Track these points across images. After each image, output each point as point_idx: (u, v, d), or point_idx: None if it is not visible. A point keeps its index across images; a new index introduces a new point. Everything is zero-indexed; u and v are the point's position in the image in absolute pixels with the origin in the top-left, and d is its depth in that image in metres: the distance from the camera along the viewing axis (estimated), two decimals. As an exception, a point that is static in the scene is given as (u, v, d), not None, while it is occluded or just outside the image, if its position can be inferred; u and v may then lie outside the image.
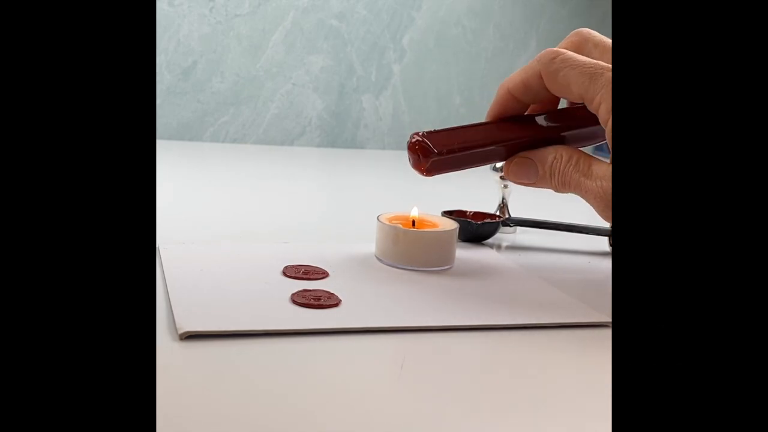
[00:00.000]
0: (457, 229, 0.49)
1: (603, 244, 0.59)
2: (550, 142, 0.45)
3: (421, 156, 0.44)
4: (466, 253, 0.52)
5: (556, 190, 0.44)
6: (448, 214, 0.56)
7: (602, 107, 0.40)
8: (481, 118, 0.48)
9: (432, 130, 0.45)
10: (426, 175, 0.45)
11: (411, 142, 0.45)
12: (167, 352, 0.32)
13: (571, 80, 0.41)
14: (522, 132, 0.46)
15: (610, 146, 0.41)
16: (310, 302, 0.38)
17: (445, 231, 0.48)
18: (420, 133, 0.45)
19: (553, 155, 0.43)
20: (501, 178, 0.59)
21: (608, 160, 0.42)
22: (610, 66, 0.41)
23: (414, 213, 0.50)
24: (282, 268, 0.44)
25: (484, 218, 0.57)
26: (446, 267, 0.48)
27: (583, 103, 0.42)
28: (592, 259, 0.54)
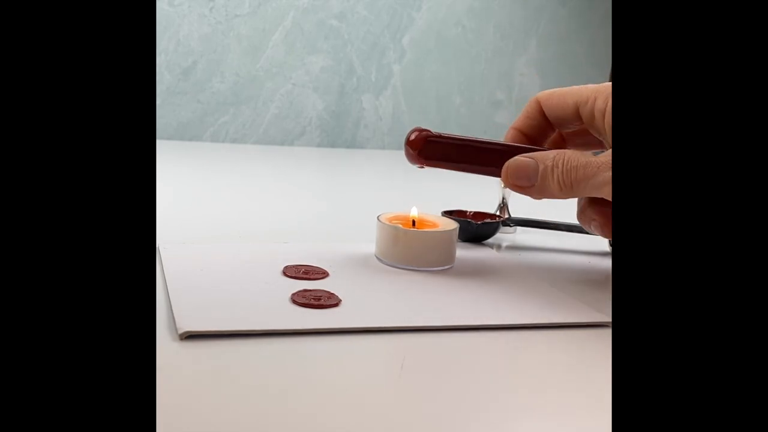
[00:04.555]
0: (457, 229, 0.49)
1: (603, 244, 0.59)
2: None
3: (412, 159, 0.47)
4: (466, 253, 0.52)
5: (558, 188, 0.42)
6: (448, 214, 0.56)
7: (598, 102, 0.43)
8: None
9: (435, 135, 0.45)
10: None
11: (408, 142, 0.46)
12: (167, 351, 0.32)
13: (566, 94, 0.45)
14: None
15: (608, 132, 0.42)
16: (310, 302, 0.38)
17: (445, 231, 0.48)
18: (419, 136, 0.45)
19: (555, 153, 0.43)
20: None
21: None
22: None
23: (414, 213, 0.50)
24: (282, 268, 0.44)
25: (484, 218, 0.57)
26: (446, 267, 0.48)
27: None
28: (592, 259, 0.54)
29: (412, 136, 0.46)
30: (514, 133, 0.49)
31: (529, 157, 0.43)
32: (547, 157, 0.43)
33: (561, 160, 0.42)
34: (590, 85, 0.45)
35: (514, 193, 0.61)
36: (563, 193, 0.42)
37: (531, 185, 0.43)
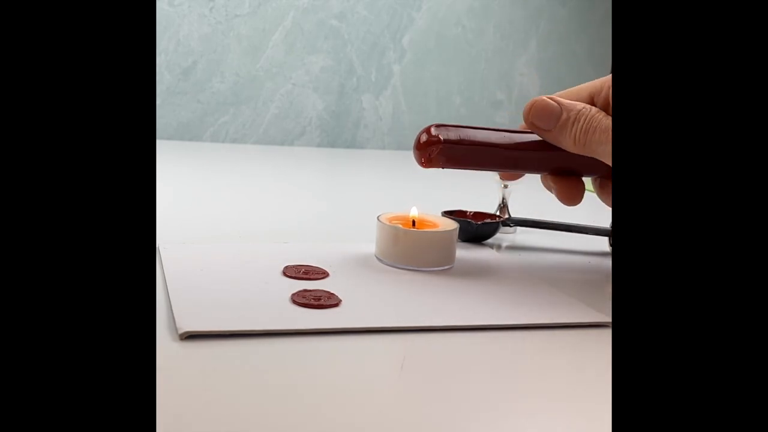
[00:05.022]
0: (457, 229, 0.49)
1: (603, 244, 0.59)
2: (565, 172, 0.46)
3: (423, 161, 0.45)
4: (466, 254, 0.52)
5: (572, 143, 0.42)
6: (449, 214, 0.56)
7: (607, 87, 0.44)
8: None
9: (448, 139, 0.44)
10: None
11: (421, 144, 0.45)
12: (167, 352, 0.32)
13: (579, 89, 0.45)
14: (538, 163, 0.46)
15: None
16: (311, 302, 0.38)
17: (445, 231, 0.48)
18: (434, 138, 0.44)
19: (583, 106, 0.43)
20: (501, 177, 0.59)
21: None
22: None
23: (414, 213, 0.50)
24: (282, 268, 0.44)
25: (484, 218, 0.57)
26: (446, 267, 0.48)
27: None
28: (592, 259, 0.54)
29: (423, 138, 0.45)
30: None
31: (556, 102, 0.43)
32: (574, 108, 0.43)
33: (585, 116, 0.42)
34: (603, 78, 0.45)
35: (515, 193, 0.61)
36: (575, 148, 0.43)
37: (549, 129, 0.43)
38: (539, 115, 0.43)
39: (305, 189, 0.82)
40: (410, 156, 0.46)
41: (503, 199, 0.61)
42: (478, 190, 0.77)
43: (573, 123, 0.42)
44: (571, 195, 0.48)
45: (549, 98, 0.44)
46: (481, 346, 0.36)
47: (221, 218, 0.60)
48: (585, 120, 0.42)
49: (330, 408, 0.29)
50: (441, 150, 0.44)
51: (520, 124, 0.48)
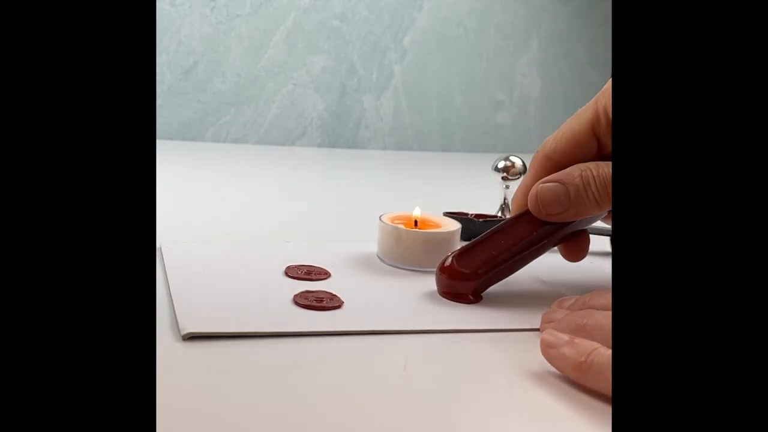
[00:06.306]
0: (460, 230, 0.49)
1: (604, 244, 0.59)
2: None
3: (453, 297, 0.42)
4: (467, 254, 0.52)
5: (596, 204, 0.40)
6: (450, 215, 0.56)
7: (606, 105, 0.41)
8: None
9: (461, 269, 0.41)
10: None
11: (441, 279, 0.42)
12: (169, 352, 0.32)
13: (572, 126, 0.42)
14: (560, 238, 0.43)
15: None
16: (313, 304, 0.38)
17: (447, 231, 0.48)
18: (449, 273, 0.41)
19: (579, 169, 0.40)
20: (503, 178, 0.59)
21: None
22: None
23: (416, 213, 0.50)
24: (284, 269, 0.44)
25: (486, 219, 0.57)
26: (448, 268, 0.48)
27: None
28: (593, 260, 0.54)
29: (442, 276, 0.42)
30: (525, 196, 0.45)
31: (554, 182, 0.41)
32: (573, 175, 0.40)
33: (591, 176, 0.40)
34: (587, 105, 0.42)
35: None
36: (601, 207, 0.40)
37: (565, 210, 0.41)
38: (549, 203, 0.41)
39: (306, 189, 0.82)
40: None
41: (504, 199, 0.61)
42: (479, 191, 0.77)
43: (585, 189, 0.40)
44: (576, 251, 0.45)
45: (544, 182, 0.41)
46: (483, 348, 0.36)
47: (222, 218, 0.60)
48: (594, 178, 0.39)
49: (332, 410, 0.29)
50: (454, 280, 0.41)
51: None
